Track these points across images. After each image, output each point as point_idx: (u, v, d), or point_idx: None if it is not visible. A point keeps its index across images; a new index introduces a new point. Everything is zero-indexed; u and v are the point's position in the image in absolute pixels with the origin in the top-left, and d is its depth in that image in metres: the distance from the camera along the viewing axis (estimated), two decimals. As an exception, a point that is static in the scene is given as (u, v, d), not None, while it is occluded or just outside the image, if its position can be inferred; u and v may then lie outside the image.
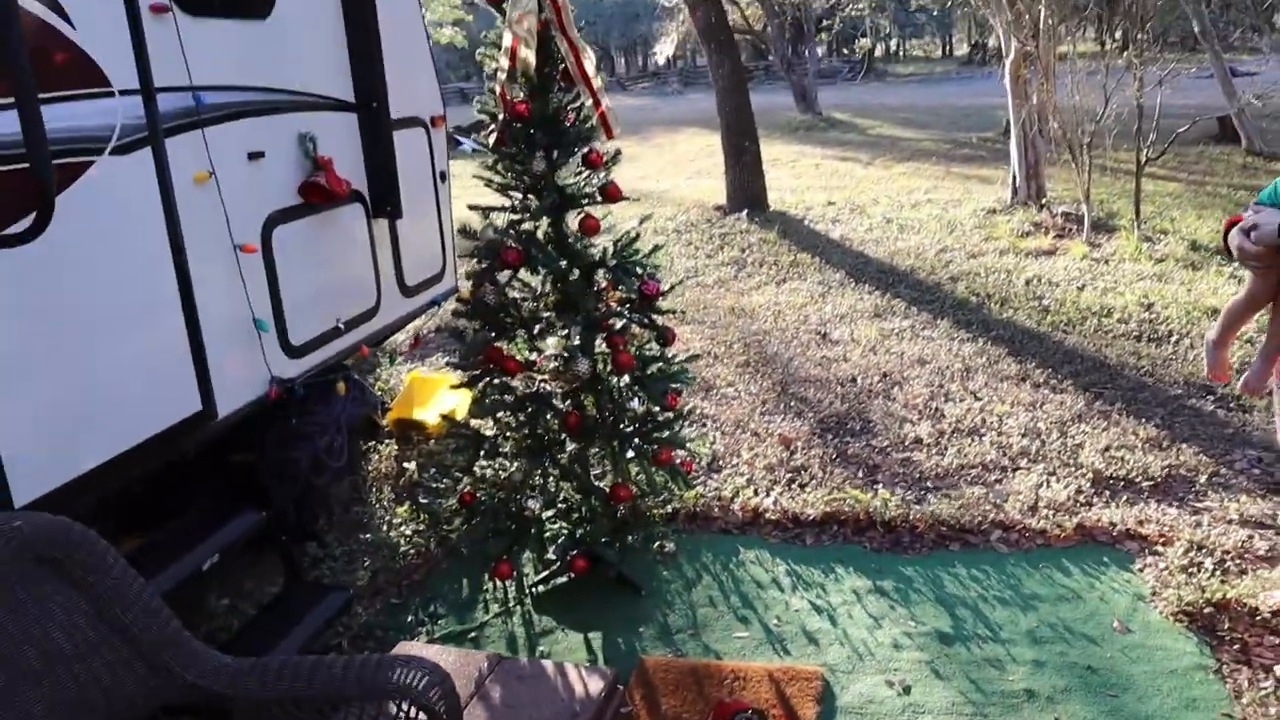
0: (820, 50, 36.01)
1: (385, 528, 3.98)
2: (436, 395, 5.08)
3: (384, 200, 3.99)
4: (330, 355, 3.69)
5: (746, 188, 10.97)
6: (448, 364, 6.05)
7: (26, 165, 2.02)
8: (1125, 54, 9.30)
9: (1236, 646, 2.99)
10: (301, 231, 3.50)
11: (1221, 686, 2.82)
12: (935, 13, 41.38)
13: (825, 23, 24.16)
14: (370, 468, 4.51)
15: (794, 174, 14.32)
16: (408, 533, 3.93)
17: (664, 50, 22.70)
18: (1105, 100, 8.88)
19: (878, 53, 41.58)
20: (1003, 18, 10.01)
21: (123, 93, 2.70)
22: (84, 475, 2.54)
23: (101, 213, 2.61)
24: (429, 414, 4.89)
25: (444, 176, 4.60)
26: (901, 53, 57.63)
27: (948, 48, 60.23)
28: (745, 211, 10.55)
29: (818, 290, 7.54)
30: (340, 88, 3.79)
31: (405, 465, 4.49)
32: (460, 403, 4.81)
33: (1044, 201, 10.02)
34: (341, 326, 3.73)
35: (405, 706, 1.87)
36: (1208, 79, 14.45)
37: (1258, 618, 3.10)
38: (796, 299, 7.31)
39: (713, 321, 6.72)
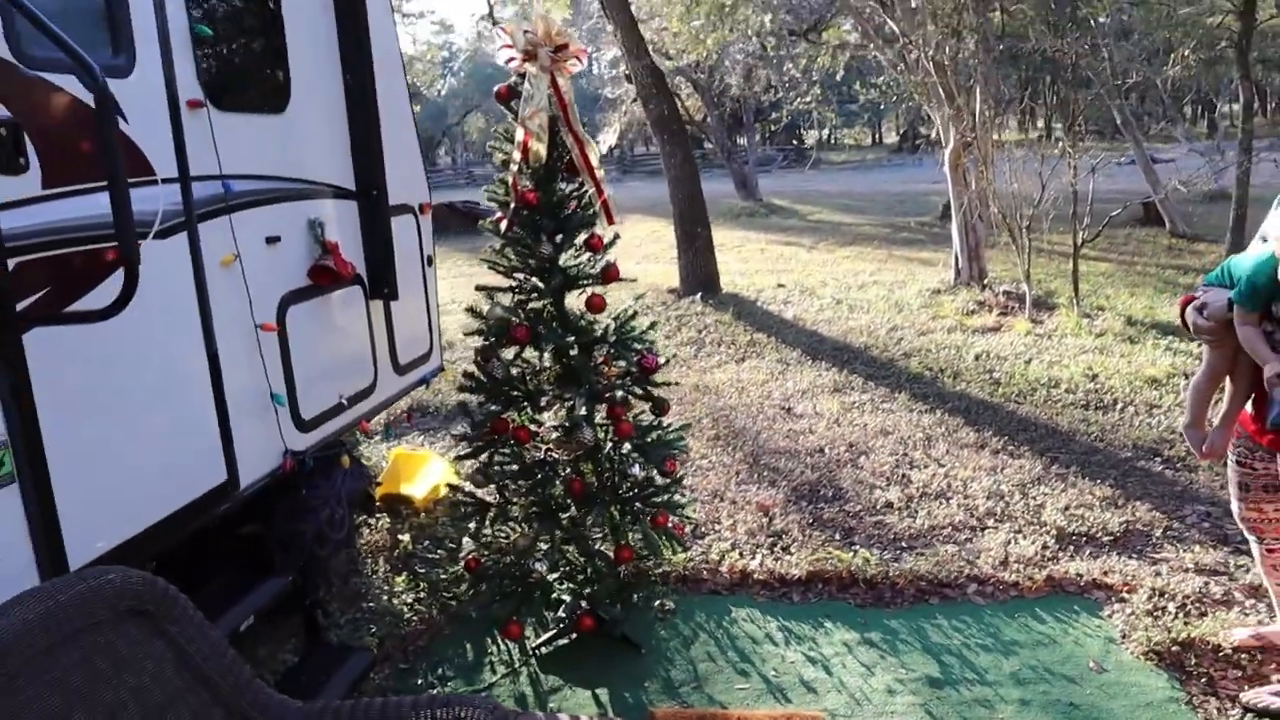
0: (757, 139, 37.14)
1: (386, 597, 4.09)
2: (421, 471, 5.22)
3: (382, 282, 4.19)
4: (335, 430, 3.85)
5: (700, 271, 11.34)
6: (424, 441, 6.20)
7: (109, 244, 2.20)
8: (1060, 143, 9.91)
9: (1204, 680, 3.25)
10: (310, 311, 3.68)
11: (1193, 716, 3.06)
12: (866, 105, 43.03)
13: (774, 115, 25.01)
14: (364, 540, 4.61)
15: (741, 258, 14.79)
16: (409, 600, 4.04)
17: (606, 140, 23.22)
18: (1042, 186, 9.44)
19: (810, 140, 42.99)
20: (943, 111, 10.61)
21: (163, 181, 2.89)
22: (127, 541, 2.67)
23: (146, 293, 2.77)
24: (415, 489, 5.02)
25: (431, 260, 4.81)
26: (834, 141, 59.53)
27: (878, 136, 62.49)
28: (699, 294, 10.89)
29: (777, 368, 7.84)
30: (344, 176, 4.01)
31: (399, 538, 4.61)
32: (444, 478, 4.98)
33: (986, 281, 10.52)
34: (345, 402, 3.89)
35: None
36: (1131, 165, 15.34)
37: (1221, 654, 3.37)
38: (758, 376, 7.59)
39: (679, 398, 6.96)
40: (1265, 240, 3.05)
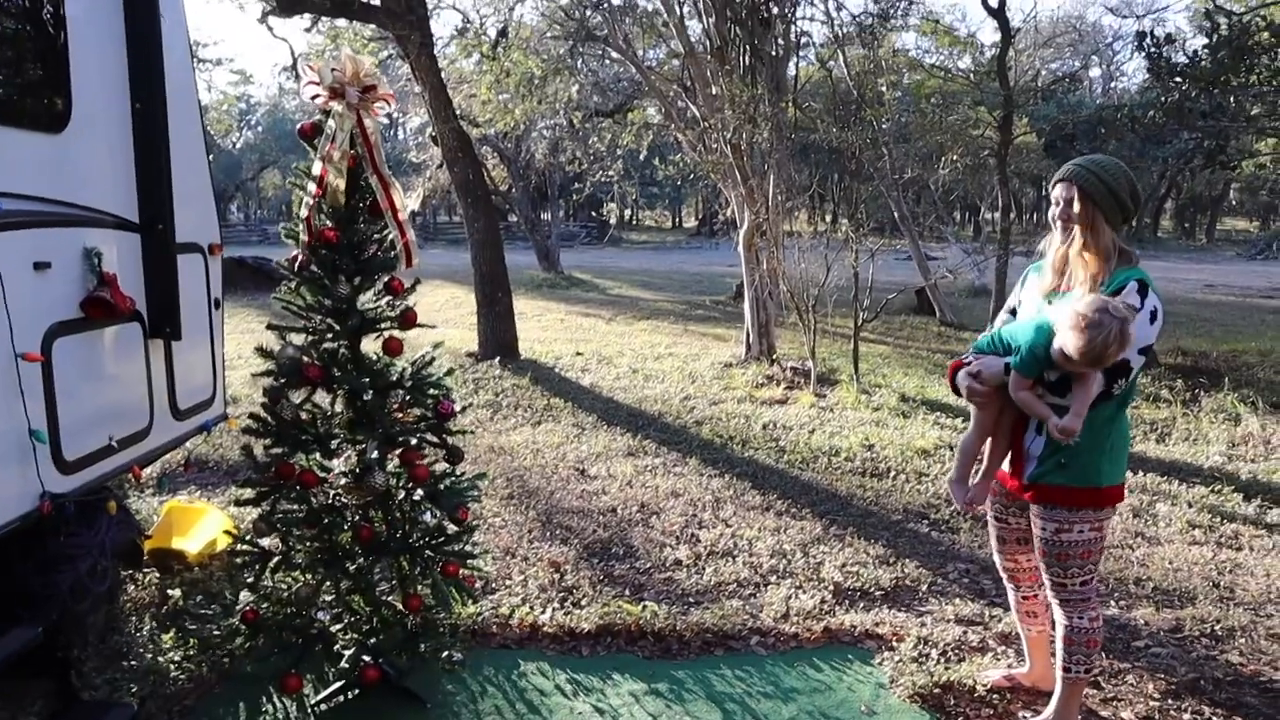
0: (561, 213, 37.72)
1: (150, 655, 3.81)
2: (196, 525, 4.93)
3: (163, 321, 3.99)
4: (102, 473, 3.60)
5: (499, 336, 11.33)
6: (200, 494, 5.86)
7: None
8: (843, 229, 10.59)
9: (961, 719, 3.45)
10: (81, 345, 3.46)
11: (952, 755, 3.25)
12: (668, 187, 44.61)
13: (576, 185, 25.48)
14: (129, 596, 4.29)
15: (541, 326, 14.90)
16: (176, 659, 3.78)
17: (410, 205, 22.98)
18: (827, 269, 10.04)
19: (613, 221, 44.13)
20: (738, 192, 11.14)
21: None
22: None
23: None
24: (189, 544, 4.73)
25: (219, 304, 4.62)
26: (635, 221, 61.24)
27: (678, 219, 64.72)
28: (498, 359, 10.86)
29: (573, 431, 7.89)
30: (127, 207, 3.83)
31: (169, 593, 4.32)
32: (221, 533, 4.72)
33: (775, 357, 11.00)
34: (115, 445, 3.65)
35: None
36: (907, 260, 16.56)
37: (975, 695, 3.61)
38: (553, 439, 7.62)
39: (474, 458, 6.88)
40: (1013, 313, 3.37)
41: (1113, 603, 4.51)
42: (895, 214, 16.19)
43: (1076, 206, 3.07)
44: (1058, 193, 3.15)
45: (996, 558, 3.57)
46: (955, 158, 16.63)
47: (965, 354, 3.37)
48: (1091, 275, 3.07)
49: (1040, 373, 3.05)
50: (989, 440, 3.32)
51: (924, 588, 4.67)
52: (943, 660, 3.86)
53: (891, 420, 8.30)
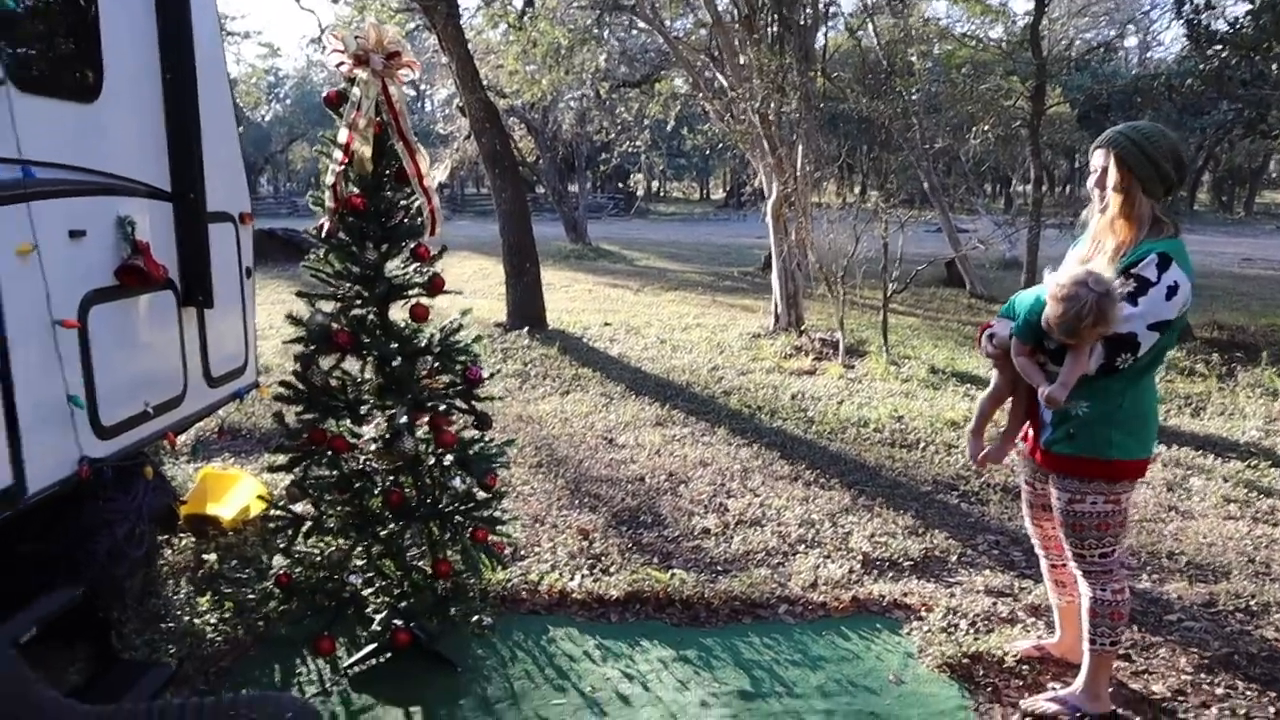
0: (588, 185, 37.62)
1: (187, 617, 3.87)
2: (230, 491, 4.99)
3: (196, 289, 4.02)
4: (138, 439, 3.64)
5: (527, 306, 11.35)
6: (235, 461, 5.93)
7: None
8: (873, 200, 10.50)
9: (989, 689, 3.46)
10: (117, 312, 3.49)
11: (980, 722, 3.25)
12: (696, 159, 44.40)
13: (604, 156, 25.39)
14: (166, 561, 4.36)
15: (569, 297, 14.90)
16: (212, 621, 3.84)
17: (437, 176, 23.00)
18: (856, 240, 9.96)
19: (640, 192, 43.99)
20: (766, 163, 11.06)
21: (-46, 159, 2.70)
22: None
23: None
24: (224, 509, 4.79)
25: (250, 272, 4.65)
26: (663, 193, 60.99)
27: (705, 191, 64.39)
28: (526, 329, 10.88)
29: (600, 401, 7.91)
30: (158, 176, 3.84)
31: (204, 557, 4.39)
32: (255, 498, 4.78)
33: (803, 328, 10.96)
34: (150, 410, 3.69)
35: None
36: (936, 231, 16.40)
37: (1004, 666, 3.60)
38: (581, 408, 7.64)
39: (502, 427, 6.91)
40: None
41: (1145, 576, 4.48)
42: (925, 185, 16.03)
43: (1112, 174, 3.01)
44: (1095, 160, 3.10)
45: (1028, 524, 3.56)
46: (986, 128, 16.42)
47: (995, 318, 3.37)
48: (1117, 245, 3.02)
49: (1037, 340, 3.04)
50: (1009, 402, 3.32)
51: (953, 559, 4.65)
52: (972, 631, 3.85)
53: (921, 392, 8.25)
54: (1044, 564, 3.56)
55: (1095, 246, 3.13)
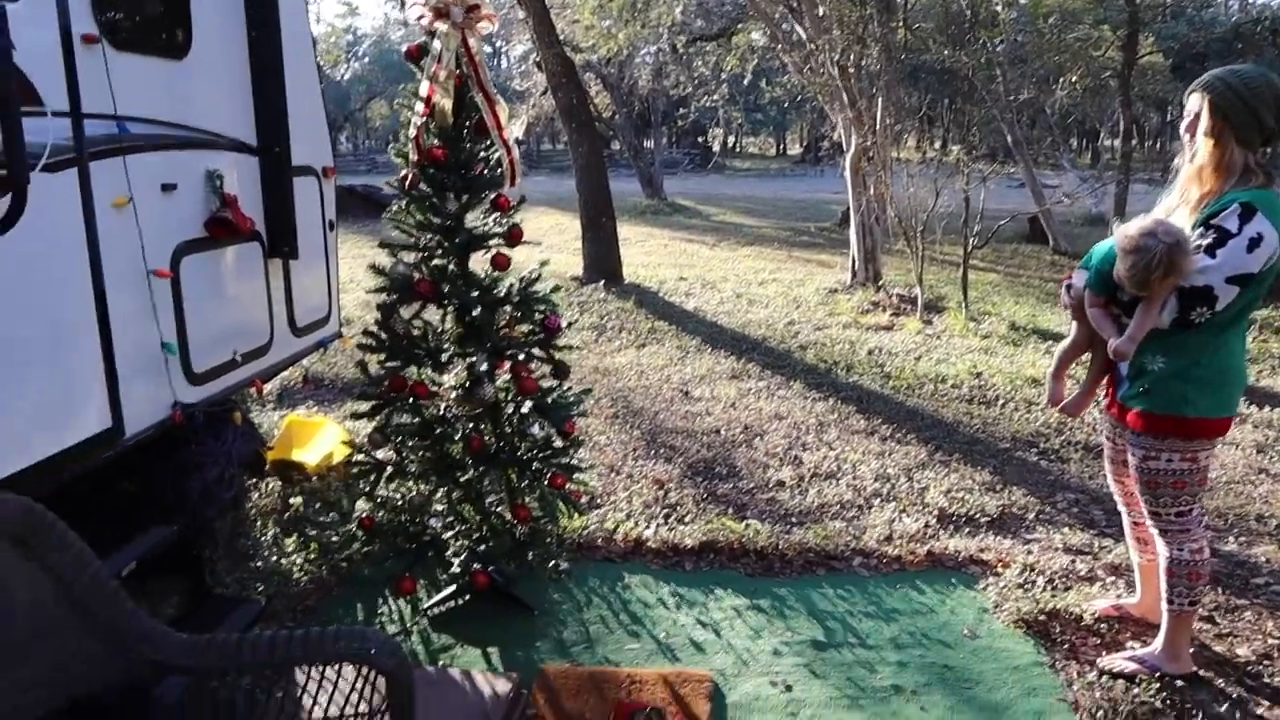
0: (664, 140, 37.40)
1: (275, 557, 4.02)
2: (315, 438, 5.14)
3: (281, 241, 4.12)
4: (227, 386, 3.76)
5: (603, 260, 11.40)
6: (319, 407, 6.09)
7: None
8: (955, 153, 10.27)
9: (1066, 646, 3.43)
10: (206, 263, 3.59)
11: (1056, 678, 3.23)
12: (773, 113, 43.77)
13: (680, 112, 25.21)
14: (253, 504, 4.52)
15: (645, 252, 14.90)
16: (298, 561, 3.99)
17: (514, 133, 23.02)
18: (936, 194, 9.77)
19: (716, 147, 43.56)
20: (844, 115, 10.87)
21: (54, 114, 2.79)
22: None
23: (33, 227, 2.68)
24: (308, 455, 4.94)
25: (333, 226, 4.74)
26: (739, 148, 60.32)
27: (782, 146, 63.51)
28: (602, 282, 10.94)
29: (676, 354, 7.93)
30: (245, 131, 3.93)
31: (290, 501, 4.54)
32: (338, 444, 4.91)
33: (881, 283, 10.82)
34: (239, 359, 3.81)
35: (362, 671, 2.00)
36: (1020, 188, 15.96)
37: (1082, 624, 3.56)
38: (657, 361, 7.67)
39: (579, 378, 6.98)
40: None
41: (1231, 539, 4.37)
42: (1009, 139, 15.58)
43: (1204, 120, 2.90)
44: (1190, 104, 2.98)
45: (1110, 480, 3.50)
46: (1074, 79, 15.88)
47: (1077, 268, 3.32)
48: (1202, 195, 2.92)
49: (1110, 292, 2.98)
50: (1089, 355, 3.26)
51: (1031, 516, 4.60)
52: (1049, 588, 3.81)
53: (1000, 348, 8.11)
54: (1125, 520, 3.50)
55: (1181, 196, 3.03)
